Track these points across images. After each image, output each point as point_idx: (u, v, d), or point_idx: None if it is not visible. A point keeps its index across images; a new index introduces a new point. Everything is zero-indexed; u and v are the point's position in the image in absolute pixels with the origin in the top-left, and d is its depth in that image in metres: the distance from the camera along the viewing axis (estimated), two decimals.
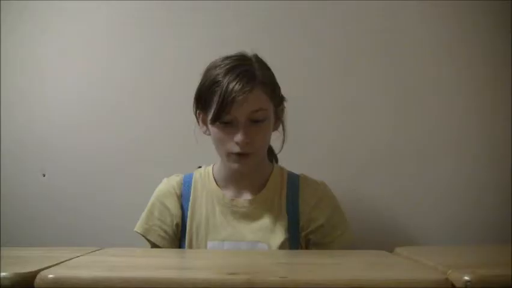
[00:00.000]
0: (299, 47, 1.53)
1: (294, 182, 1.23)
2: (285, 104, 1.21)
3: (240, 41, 1.45)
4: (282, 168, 1.26)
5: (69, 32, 1.56)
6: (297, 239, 1.19)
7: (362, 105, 1.52)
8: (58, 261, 0.78)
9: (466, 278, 0.67)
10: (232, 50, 1.17)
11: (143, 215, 1.23)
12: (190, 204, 1.21)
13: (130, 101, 1.55)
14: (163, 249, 1.21)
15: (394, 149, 1.51)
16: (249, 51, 1.17)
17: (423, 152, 1.51)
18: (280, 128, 1.22)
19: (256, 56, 1.16)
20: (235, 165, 1.14)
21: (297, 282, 0.68)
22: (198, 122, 1.20)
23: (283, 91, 1.20)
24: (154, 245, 1.21)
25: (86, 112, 1.55)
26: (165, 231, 1.21)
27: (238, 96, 1.06)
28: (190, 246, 1.19)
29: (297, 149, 1.41)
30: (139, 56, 1.55)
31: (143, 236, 1.21)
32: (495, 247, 1.19)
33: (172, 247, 1.21)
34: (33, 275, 0.69)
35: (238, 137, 1.09)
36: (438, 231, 1.49)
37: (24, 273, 0.70)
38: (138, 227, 1.22)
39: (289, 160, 1.29)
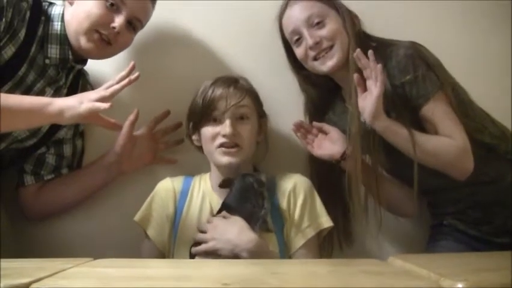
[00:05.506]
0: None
1: (272, 180, 1.29)
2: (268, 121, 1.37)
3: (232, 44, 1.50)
4: None
5: None
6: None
7: None
8: (50, 273, 0.77)
9: (459, 285, 0.67)
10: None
11: (143, 206, 1.32)
12: (187, 200, 1.30)
13: (127, 103, 1.52)
14: (157, 259, 1.24)
15: None
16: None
17: None
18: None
19: (240, 76, 1.34)
20: (224, 159, 1.24)
21: None
22: (190, 134, 1.34)
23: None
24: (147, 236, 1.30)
25: None
26: (158, 223, 1.29)
27: (224, 93, 1.25)
28: (182, 238, 1.25)
29: (288, 152, 1.44)
30: (144, 49, 1.51)
31: (139, 224, 1.30)
32: (489, 254, 1.19)
33: (164, 236, 1.28)
34: (26, 287, 0.69)
35: (225, 129, 1.23)
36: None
37: (16, 285, 0.69)
38: (136, 216, 1.31)
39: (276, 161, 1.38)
